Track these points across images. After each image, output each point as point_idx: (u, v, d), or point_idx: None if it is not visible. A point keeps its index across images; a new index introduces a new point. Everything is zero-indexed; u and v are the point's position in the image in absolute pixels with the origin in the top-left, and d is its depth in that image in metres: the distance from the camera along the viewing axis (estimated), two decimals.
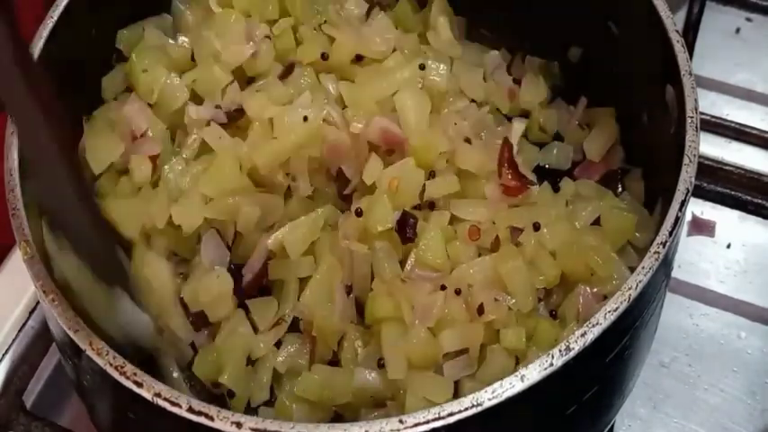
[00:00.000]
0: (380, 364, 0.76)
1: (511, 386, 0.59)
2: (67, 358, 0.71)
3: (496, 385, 0.59)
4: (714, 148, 1.08)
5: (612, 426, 0.90)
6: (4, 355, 0.97)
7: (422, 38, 0.98)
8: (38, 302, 0.99)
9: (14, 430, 0.91)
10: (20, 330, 0.98)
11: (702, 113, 0.73)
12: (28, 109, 0.61)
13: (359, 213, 0.83)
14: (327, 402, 0.78)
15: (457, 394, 0.75)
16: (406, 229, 0.81)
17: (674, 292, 0.98)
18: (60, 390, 0.95)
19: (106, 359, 0.62)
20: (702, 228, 1.04)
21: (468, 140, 0.88)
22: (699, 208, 1.05)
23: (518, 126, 0.95)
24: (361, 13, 0.98)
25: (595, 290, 0.78)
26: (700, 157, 0.72)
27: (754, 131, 1.10)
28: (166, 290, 0.84)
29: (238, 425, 0.58)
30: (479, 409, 0.59)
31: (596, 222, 0.84)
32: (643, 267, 0.66)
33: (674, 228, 0.67)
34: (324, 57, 0.91)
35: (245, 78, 0.92)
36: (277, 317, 0.84)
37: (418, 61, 0.90)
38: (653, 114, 0.84)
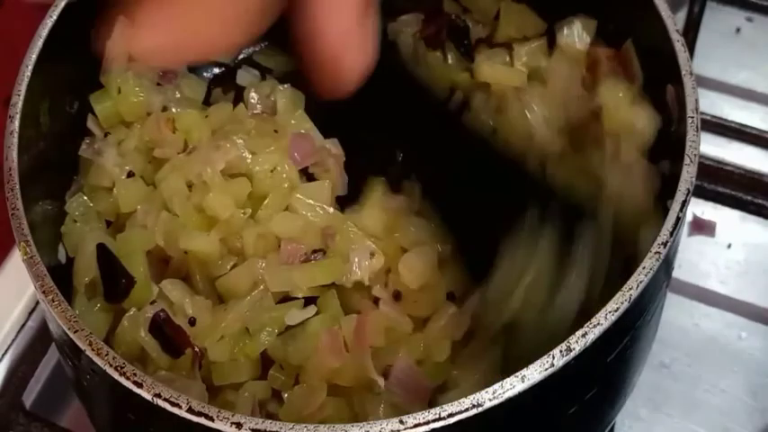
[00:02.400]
0: None
1: (511, 386, 0.59)
2: (67, 358, 0.71)
3: (497, 386, 0.59)
4: (714, 148, 1.08)
5: (613, 426, 0.90)
6: (3, 355, 0.97)
7: None
8: (37, 303, 0.98)
9: (14, 430, 0.91)
10: (19, 330, 0.98)
11: (702, 113, 0.73)
12: None
13: None
14: None
15: None
16: None
17: (675, 292, 0.98)
18: (60, 390, 0.95)
19: (106, 359, 0.62)
20: (703, 228, 1.04)
21: None
22: (699, 208, 1.05)
23: None
24: None
25: None
26: (700, 156, 0.72)
27: (755, 131, 1.10)
28: None
29: (238, 425, 0.58)
30: (480, 409, 0.58)
31: None
32: (644, 267, 0.65)
33: (674, 228, 0.67)
34: None
35: None
36: None
37: None
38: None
